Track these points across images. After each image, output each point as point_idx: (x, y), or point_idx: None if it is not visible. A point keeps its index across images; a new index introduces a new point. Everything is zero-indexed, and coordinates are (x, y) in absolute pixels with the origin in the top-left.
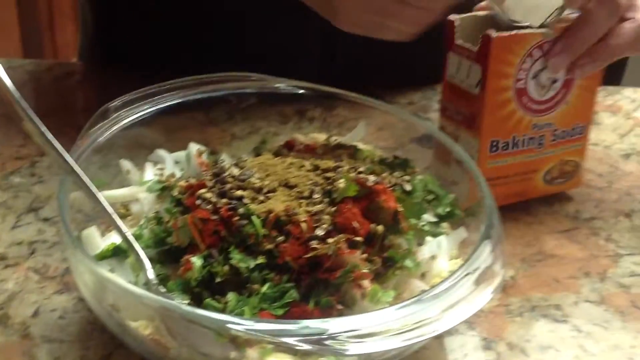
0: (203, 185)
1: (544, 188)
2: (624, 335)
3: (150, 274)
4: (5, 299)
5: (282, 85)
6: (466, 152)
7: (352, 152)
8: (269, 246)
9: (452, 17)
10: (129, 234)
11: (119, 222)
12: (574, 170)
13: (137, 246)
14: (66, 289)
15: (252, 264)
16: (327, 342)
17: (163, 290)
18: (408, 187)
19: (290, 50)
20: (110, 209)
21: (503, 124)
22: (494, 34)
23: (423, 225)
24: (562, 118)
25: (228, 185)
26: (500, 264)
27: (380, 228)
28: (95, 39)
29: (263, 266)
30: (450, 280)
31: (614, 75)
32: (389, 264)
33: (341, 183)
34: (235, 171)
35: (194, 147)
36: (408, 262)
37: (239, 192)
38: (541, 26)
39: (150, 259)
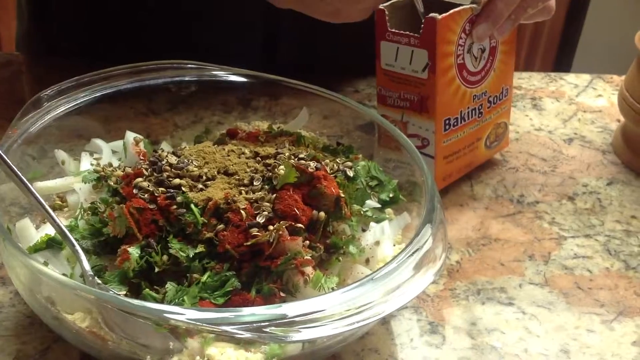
0: (140, 174)
1: (485, 154)
2: (568, 316)
3: (86, 265)
4: None
5: (222, 72)
6: (420, 136)
7: (295, 139)
8: (209, 235)
9: (381, 5)
10: (62, 225)
11: (50, 212)
12: (504, 131)
13: (70, 237)
14: (2, 283)
15: (191, 253)
16: (268, 330)
17: (99, 281)
18: (350, 173)
19: (232, 40)
20: (40, 199)
21: (452, 102)
22: (437, 16)
23: (366, 211)
24: (492, 84)
25: (165, 174)
26: (441, 247)
27: (322, 214)
28: (31, 29)
29: (203, 255)
30: (392, 264)
31: (564, 61)
32: (332, 251)
33: (281, 170)
34: (173, 159)
35: (130, 136)
36: (352, 248)
37: (177, 181)
38: (472, 2)
39: (87, 250)
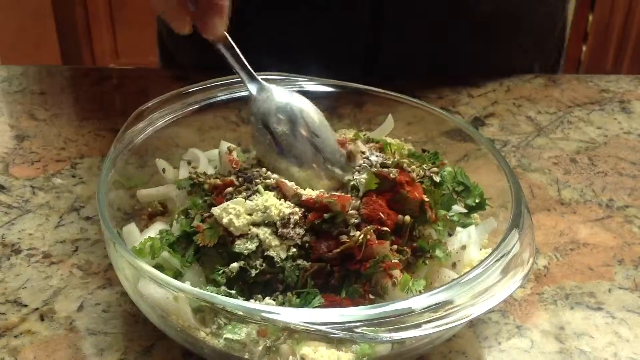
0: (230, 184)
1: None
2: None
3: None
4: (51, 294)
5: (308, 82)
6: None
7: (381, 147)
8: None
9: None
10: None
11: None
12: None
13: None
14: (109, 284)
15: (283, 254)
16: (359, 330)
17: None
18: (437, 179)
19: (334, 46)
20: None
21: None
22: None
23: (452, 216)
24: None
25: (255, 182)
26: (529, 251)
27: (407, 218)
28: (179, 44)
29: (296, 257)
30: (479, 268)
31: None
32: (419, 254)
33: (363, 177)
34: (262, 169)
35: (224, 145)
36: (438, 252)
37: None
38: None
39: None
